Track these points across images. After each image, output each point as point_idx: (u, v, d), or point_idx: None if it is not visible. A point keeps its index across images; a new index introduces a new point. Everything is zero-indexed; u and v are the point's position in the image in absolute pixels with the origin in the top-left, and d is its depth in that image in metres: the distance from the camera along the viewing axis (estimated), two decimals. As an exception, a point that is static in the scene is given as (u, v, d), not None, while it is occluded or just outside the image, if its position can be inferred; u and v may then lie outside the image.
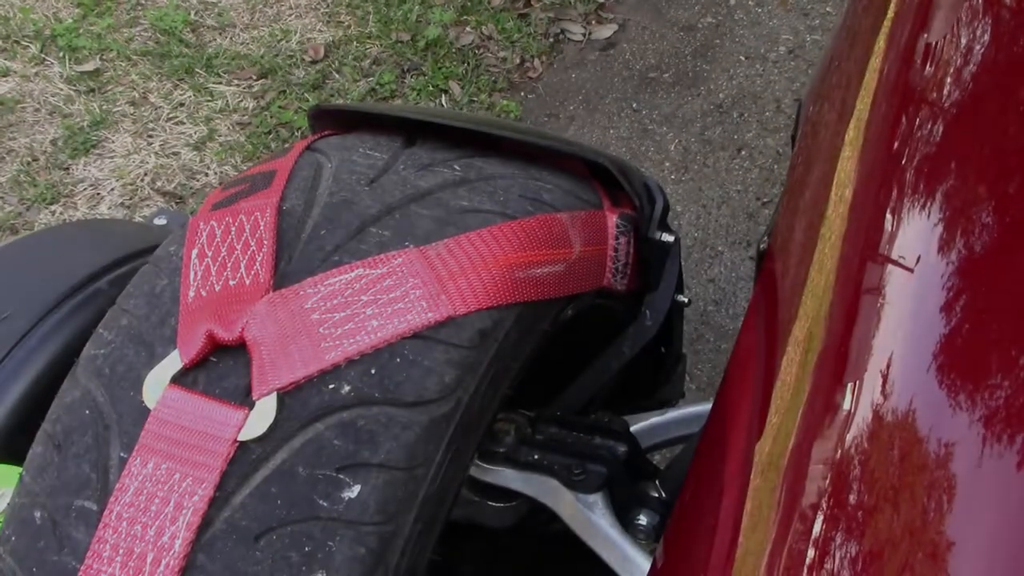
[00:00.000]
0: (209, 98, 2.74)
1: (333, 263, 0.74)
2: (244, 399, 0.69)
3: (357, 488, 0.66)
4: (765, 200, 2.45)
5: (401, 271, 0.73)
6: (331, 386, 0.68)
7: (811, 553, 0.58)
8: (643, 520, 0.84)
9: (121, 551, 0.67)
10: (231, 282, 0.74)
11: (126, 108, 2.72)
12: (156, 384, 0.71)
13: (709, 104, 2.69)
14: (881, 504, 0.58)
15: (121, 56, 2.85)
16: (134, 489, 0.68)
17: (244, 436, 0.68)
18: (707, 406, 0.94)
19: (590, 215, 0.87)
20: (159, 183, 2.55)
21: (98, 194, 2.52)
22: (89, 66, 2.82)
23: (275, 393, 0.68)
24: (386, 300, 0.72)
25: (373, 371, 0.69)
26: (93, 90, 2.76)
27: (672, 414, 1.02)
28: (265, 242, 0.76)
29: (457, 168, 0.85)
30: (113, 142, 2.63)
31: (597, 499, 0.82)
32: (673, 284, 1.02)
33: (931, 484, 0.58)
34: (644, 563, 0.79)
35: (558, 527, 1.00)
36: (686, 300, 1.09)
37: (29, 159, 2.57)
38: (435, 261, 0.74)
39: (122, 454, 0.70)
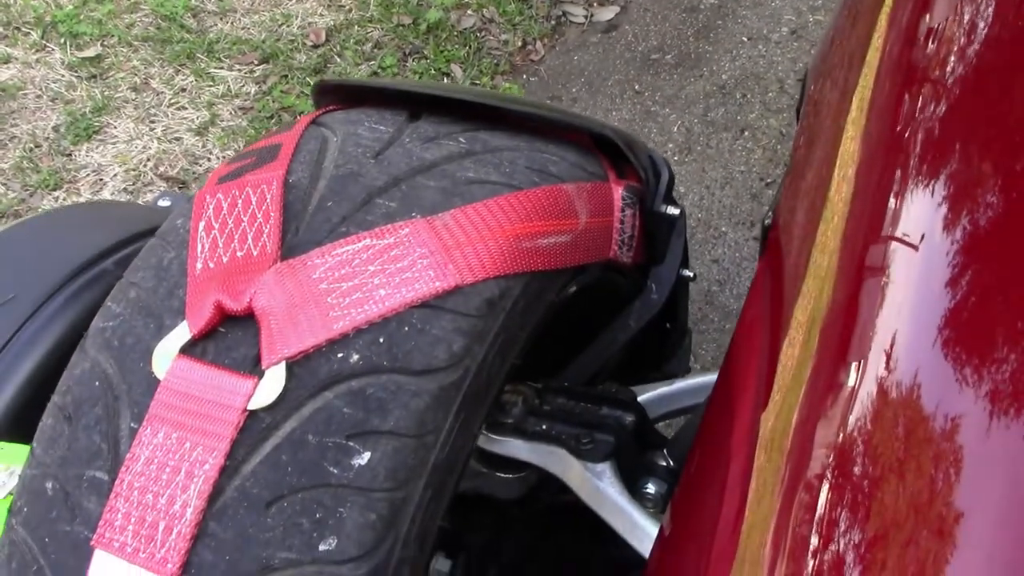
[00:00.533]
0: (211, 83, 2.74)
1: (340, 234, 0.74)
2: (253, 368, 0.69)
3: (367, 455, 0.66)
4: (768, 180, 2.44)
5: (408, 241, 0.73)
6: (340, 355, 0.69)
7: (817, 526, 0.58)
8: (651, 489, 0.84)
9: (133, 520, 0.68)
10: (238, 253, 0.74)
11: (128, 94, 2.72)
12: (165, 355, 0.71)
13: (712, 85, 2.69)
14: (887, 478, 0.58)
15: (122, 42, 2.84)
16: (145, 458, 0.68)
17: (254, 405, 0.68)
18: (714, 376, 0.94)
19: (596, 187, 0.87)
20: (162, 168, 2.54)
21: (101, 180, 2.52)
22: (90, 52, 2.81)
23: (284, 362, 0.69)
24: (393, 270, 0.72)
25: (381, 340, 0.69)
26: (95, 76, 2.76)
27: (679, 384, 1.02)
28: (272, 214, 0.76)
29: (463, 141, 0.85)
30: (115, 128, 2.63)
31: (605, 468, 0.82)
32: (679, 258, 1.02)
33: (937, 457, 0.58)
34: (652, 529, 0.79)
35: (565, 499, 1.01)
36: (691, 275, 1.09)
37: (32, 145, 2.57)
38: (442, 231, 0.74)
39: (132, 424, 0.70)
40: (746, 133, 2.56)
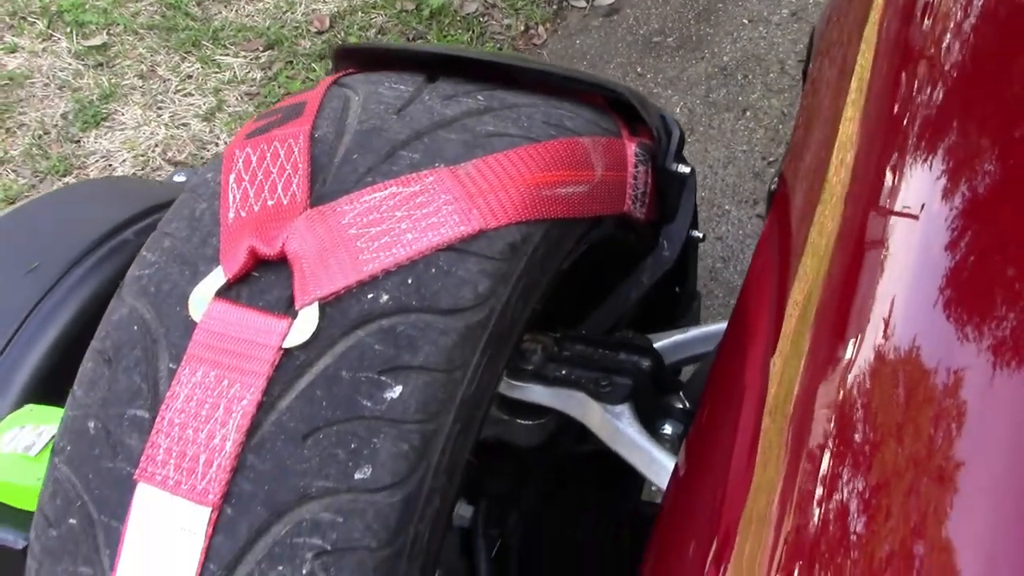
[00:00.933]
0: (217, 70, 2.76)
1: (366, 183, 0.77)
2: (287, 309, 0.72)
3: (399, 389, 0.69)
4: (771, 160, 2.47)
5: (433, 188, 0.76)
6: (370, 295, 0.71)
7: (821, 481, 0.60)
8: (668, 429, 0.87)
9: (174, 454, 0.70)
10: (269, 203, 0.77)
11: (135, 81, 2.74)
12: (201, 299, 0.74)
13: (713, 67, 2.71)
14: (888, 431, 0.60)
15: (128, 30, 2.87)
16: (184, 396, 0.71)
17: (288, 343, 0.71)
18: (724, 325, 0.97)
19: (610, 142, 0.90)
20: (170, 153, 2.57)
21: (110, 165, 2.54)
22: (96, 41, 2.84)
23: (317, 303, 0.71)
24: (420, 215, 0.74)
25: (410, 281, 0.72)
26: (101, 64, 2.78)
27: (693, 332, 1.05)
28: (300, 165, 0.79)
29: (481, 98, 0.87)
30: (123, 114, 2.65)
31: (624, 409, 0.85)
32: (689, 215, 1.05)
33: (937, 411, 0.60)
34: (669, 460, 0.82)
35: (583, 449, 1.04)
36: (701, 236, 1.12)
37: (40, 132, 2.60)
38: (465, 179, 0.77)
39: (171, 365, 0.72)
40: (748, 113, 2.59)
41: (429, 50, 0.95)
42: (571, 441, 0.96)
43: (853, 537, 0.57)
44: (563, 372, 0.89)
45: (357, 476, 0.67)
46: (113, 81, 2.73)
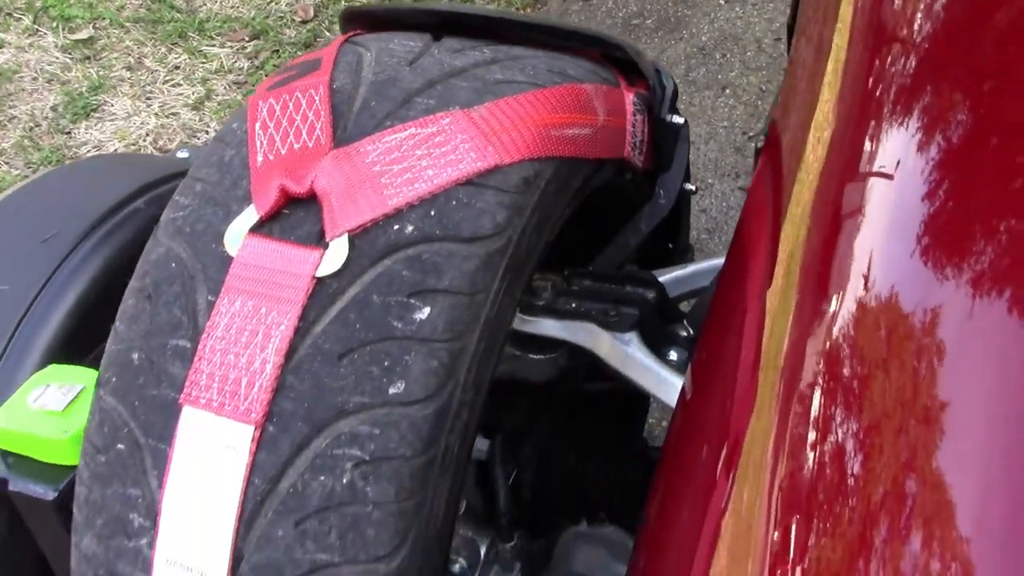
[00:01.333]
0: (204, 60, 2.80)
1: (386, 127, 0.82)
2: (318, 242, 0.76)
3: (427, 310, 0.74)
4: (751, 134, 2.53)
5: (449, 128, 0.81)
6: (396, 227, 0.76)
7: (813, 426, 0.62)
8: (674, 356, 0.92)
9: (217, 379, 0.75)
10: (295, 146, 0.82)
11: (123, 73, 2.77)
12: (236, 234, 0.78)
13: (692, 47, 2.77)
14: (874, 374, 0.62)
15: (114, 24, 2.90)
16: (224, 325, 0.76)
17: (321, 273, 0.75)
18: (722, 260, 1.02)
19: (610, 90, 0.95)
20: (160, 142, 2.60)
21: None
22: (83, 34, 2.87)
23: (346, 235, 0.76)
24: (438, 153, 0.79)
25: (432, 213, 0.77)
26: (88, 57, 2.81)
27: (691, 268, 1.10)
28: (322, 112, 0.84)
29: (487, 51, 0.92)
30: (113, 105, 2.68)
31: (632, 336, 0.90)
32: (684, 165, 1.10)
33: (920, 351, 0.62)
34: (676, 379, 0.88)
35: (591, 387, 1.09)
36: (693, 188, 1.18)
37: (31, 125, 2.63)
38: (479, 120, 0.82)
39: (209, 297, 0.77)
40: (727, 91, 2.65)
41: (434, 8, 0.99)
42: (580, 378, 1.01)
43: (849, 480, 0.58)
44: (573, 305, 0.94)
45: (391, 391, 0.72)
46: (101, 73, 2.76)
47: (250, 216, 0.79)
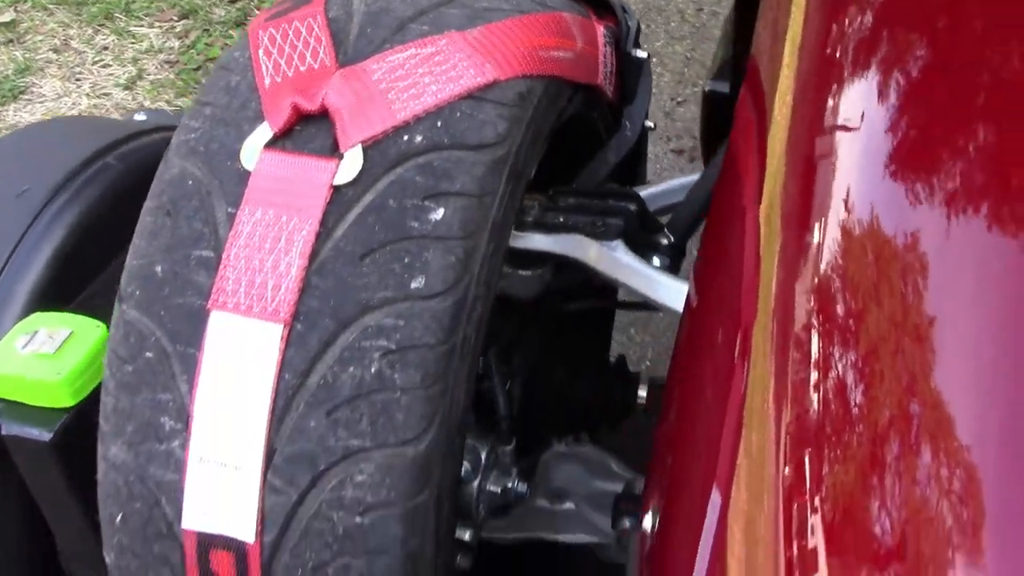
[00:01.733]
0: (133, 40, 2.78)
1: (386, 49, 0.87)
2: (332, 153, 0.81)
3: (441, 211, 0.79)
4: (680, 100, 2.63)
5: (448, 48, 0.86)
6: (406, 137, 0.81)
7: (814, 367, 0.62)
8: (657, 262, 0.99)
9: (243, 283, 0.79)
10: (301, 68, 0.86)
11: (50, 55, 2.74)
12: (252, 150, 0.82)
13: (617, 19, 2.85)
14: (866, 303, 0.64)
15: (36, 6, 2.86)
16: (247, 233, 0.80)
17: (338, 181, 0.80)
18: (693, 178, 1.09)
19: (584, 21, 1.02)
20: (94, 122, 2.58)
21: (34, 136, 2.54)
22: (5, 18, 2.82)
23: (359, 145, 0.81)
24: (440, 71, 0.85)
25: (439, 124, 0.82)
26: (12, 40, 2.77)
27: (666, 185, 1.18)
28: (323, 38, 0.88)
29: (470, -14, 0.98)
30: (41, 87, 2.65)
31: (618, 244, 0.96)
32: (647, 98, 1.17)
33: (906, 271, 0.63)
34: (667, 281, 0.94)
35: (573, 307, 1.16)
36: (652, 125, 1.25)
37: (-42, 108, 2.58)
38: (474, 41, 0.87)
39: (229, 210, 0.81)
40: (654, 60, 2.73)
41: None
42: (562, 298, 1.07)
43: (853, 407, 0.59)
44: (560, 219, 1.00)
45: (413, 285, 0.77)
46: (27, 56, 2.72)
47: (264, 133, 0.83)
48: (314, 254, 0.79)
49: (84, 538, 1.21)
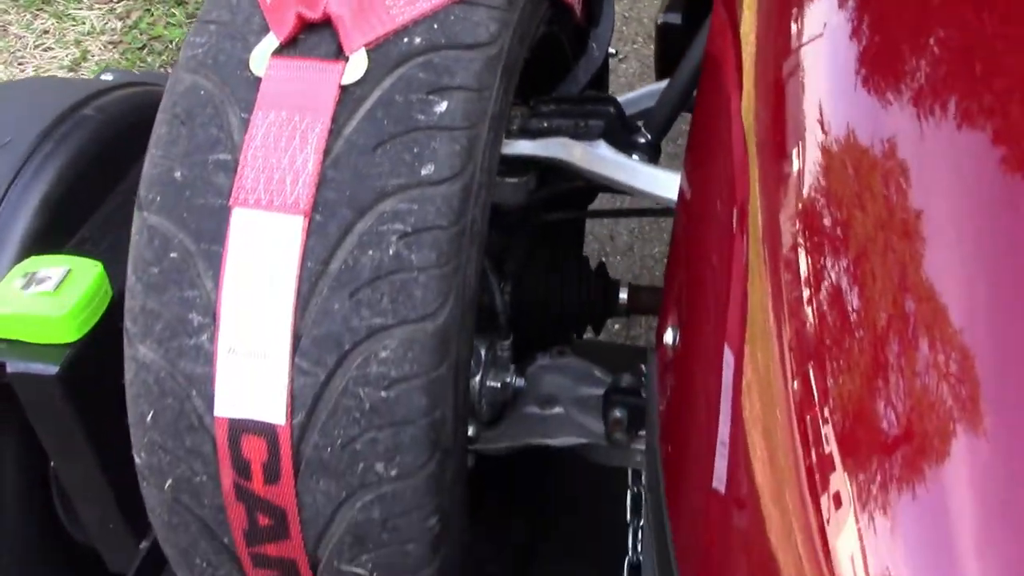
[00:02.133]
0: (73, 23, 2.77)
1: None
2: (338, 57, 0.86)
3: (445, 104, 0.85)
4: (621, 57, 2.71)
5: None
6: (405, 40, 0.87)
7: (806, 283, 0.63)
8: (636, 159, 1.06)
9: (263, 180, 0.84)
10: None
11: (-11, 41, 2.72)
12: (260, 58, 0.87)
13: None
14: (850, 210, 0.65)
15: (-29, -6, 2.83)
16: (262, 135, 0.85)
17: (346, 81, 0.85)
18: (661, 85, 1.16)
19: (555, -59, 1.08)
20: (41, 104, 2.58)
21: (-20, 121, 2.53)
22: (-62, 6, 2.80)
23: (363, 48, 0.86)
24: None
25: (435, 26, 0.88)
26: (-51, 28, 2.75)
27: (638, 92, 1.25)
28: None
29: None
30: (-16, 72, 2.64)
31: (600, 142, 1.03)
32: (611, 22, 1.24)
33: (886, 174, 0.64)
34: (645, 167, 1.01)
35: (554, 216, 1.22)
36: (614, 52, 1.32)
37: (-100, 96, 2.55)
38: None
39: (243, 115, 0.86)
40: (592, 21, 2.81)
41: None
42: (545, 208, 1.13)
43: (851, 313, 0.60)
44: (544, 124, 1.07)
45: (423, 172, 0.83)
46: (-34, 42, 2.70)
47: (270, 43, 0.88)
48: (327, 150, 0.84)
49: (89, 473, 1.25)
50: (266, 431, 0.85)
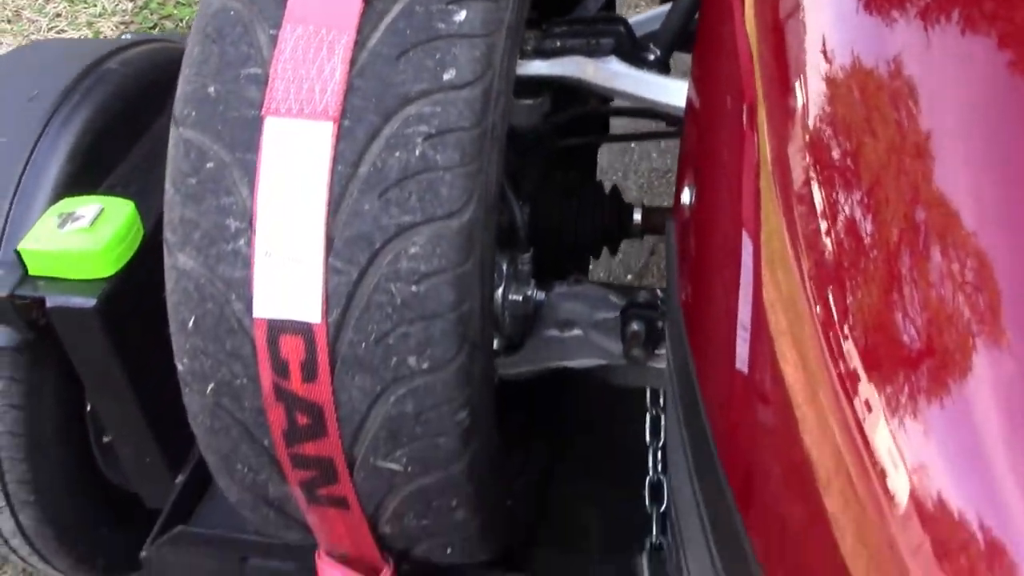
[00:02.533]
0: (84, 5, 2.82)
1: None
2: (360, -25, 0.91)
3: (464, 12, 0.89)
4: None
5: None
6: (424, -45, 0.91)
7: (822, 216, 0.63)
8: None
9: (292, 90, 0.88)
10: None
11: (3, 26, 2.78)
12: (287, -22, 0.92)
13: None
14: (862, 136, 0.65)
15: (-17, -19, 2.89)
16: (291, 48, 0.89)
17: (367, -4, 0.90)
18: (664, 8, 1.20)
19: None
20: (57, 85, 2.63)
21: (-2, 102, 2.58)
22: (-47, -6, 2.85)
23: (382, -29, 0.91)
24: None
25: (453, -58, 0.92)
26: (-37, 15, 2.80)
27: (643, 15, 1.29)
28: None
29: None
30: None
31: (612, 58, 1.07)
32: None
33: (895, 97, 0.64)
34: (657, 78, 1.06)
35: (569, 142, 1.27)
36: None
37: (-81, 80, 2.61)
38: None
39: (271, 32, 0.90)
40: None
41: None
42: (558, 133, 1.18)
43: (865, 236, 0.60)
44: (557, 44, 1.11)
45: (446, 77, 0.88)
46: (-20, 28, 2.75)
47: (296, -35, 0.92)
48: (353, 60, 0.88)
49: (126, 407, 1.30)
50: (303, 330, 0.90)
